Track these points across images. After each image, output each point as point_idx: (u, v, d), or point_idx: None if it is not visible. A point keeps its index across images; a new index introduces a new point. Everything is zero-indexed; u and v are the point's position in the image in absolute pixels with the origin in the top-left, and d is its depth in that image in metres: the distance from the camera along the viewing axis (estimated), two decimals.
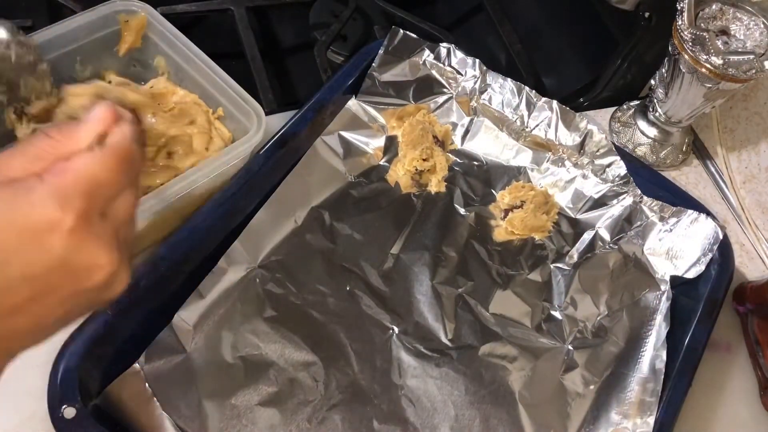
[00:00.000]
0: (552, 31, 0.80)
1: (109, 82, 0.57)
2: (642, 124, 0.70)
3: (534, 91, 0.64)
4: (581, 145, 0.63)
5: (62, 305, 0.32)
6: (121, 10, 0.56)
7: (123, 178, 0.33)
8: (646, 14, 0.64)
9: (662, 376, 0.52)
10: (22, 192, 0.29)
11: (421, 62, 0.64)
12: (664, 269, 0.59)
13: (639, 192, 0.61)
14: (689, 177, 0.70)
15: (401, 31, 0.64)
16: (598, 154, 0.62)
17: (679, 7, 0.58)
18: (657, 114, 0.67)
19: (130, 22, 0.57)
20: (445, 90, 0.65)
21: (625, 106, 0.72)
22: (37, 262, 0.30)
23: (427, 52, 0.64)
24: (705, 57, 0.57)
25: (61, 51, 0.54)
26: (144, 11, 0.57)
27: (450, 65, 0.65)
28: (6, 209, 0.29)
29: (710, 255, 0.58)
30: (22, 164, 0.31)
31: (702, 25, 0.58)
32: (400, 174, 0.61)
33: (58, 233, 0.30)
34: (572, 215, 0.62)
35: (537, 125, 0.64)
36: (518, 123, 0.64)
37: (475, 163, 0.64)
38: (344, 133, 0.61)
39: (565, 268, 0.60)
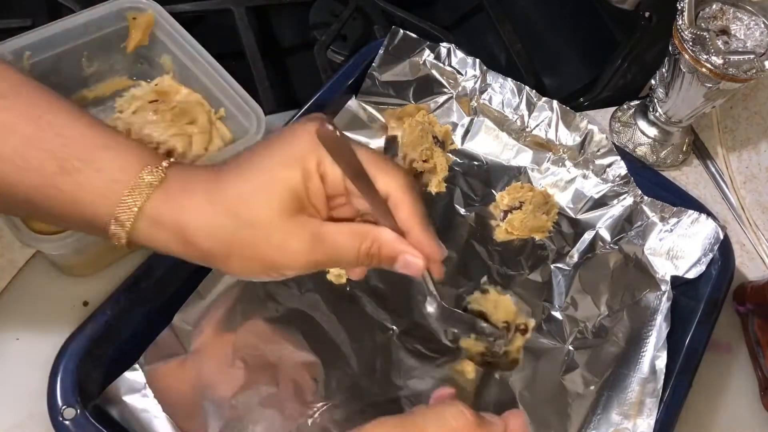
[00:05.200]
0: (552, 31, 0.80)
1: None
2: (642, 123, 0.70)
3: (534, 90, 0.64)
4: (581, 145, 0.63)
5: None
6: (130, 7, 0.56)
7: None
8: (646, 14, 0.64)
9: (663, 377, 0.52)
10: None
11: (421, 62, 0.64)
12: (664, 269, 0.59)
13: (639, 192, 0.61)
14: (689, 177, 0.70)
15: (401, 31, 0.64)
16: (598, 154, 0.62)
17: (679, 7, 0.58)
18: (657, 114, 0.67)
19: (138, 20, 0.57)
20: (445, 90, 0.65)
21: (625, 106, 0.72)
22: None
23: (427, 52, 0.64)
24: (705, 57, 0.57)
25: (68, 46, 0.55)
26: (152, 9, 0.57)
27: (450, 65, 0.65)
28: None
29: (711, 255, 0.58)
30: None
31: (702, 24, 0.58)
32: None
33: None
34: (572, 215, 0.62)
35: (537, 125, 0.64)
36: (518, 123, 0.64)
37: (476, 163, 0.64)
38: (344, 133, 0.61)
39: (566, 268, 0.60)
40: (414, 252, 0.37)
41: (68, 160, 0.34)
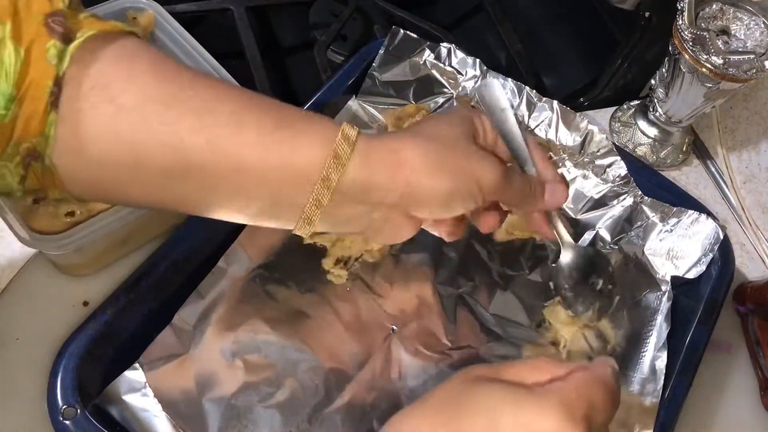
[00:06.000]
0: (552, 31, 0.80)
1: None
2: (642, 123, 0.70)
3: (534, 90, 0.64)
4: (582, 146, 0.63)
5: None
6: (130, 7, 0.56)
7: (611, 406, 0.35)
8: (647, 14, 0.64)
9: (663, 377, 0.52)
10: (533, 397, 0.33)
11: (421, 62, 0.64)
12: (664, 269, 0.59)
13: (639, 192, 0.61)
14: (689, 177, 0.70)
15: (401, 30, 0.64)
16: (598, 154, 0.62)
17: (679, 7, 0.58)
18: (657, 114, 0.67)
19: (138, 20, 0.57)
20: (445, 90, 0.65)
21: (625, 106, 0.72)
22: None
23: (427, 51, 0.64)
24: (705, 57, 0.57)
25: None
26: (152, 9, 0.57)
27: (450, 65, 0.65)
28: (518, 412, 0.33)
29: (711, 255, 0.58)
30: (526, 372, 0.36)
31: (702, 24, 0.58)
32: None
33: None
34: (572, 215, 0.62)
35: (537, 125, 0.64)
36: None
37: None
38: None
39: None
40: (559, 181, 0.45)
41: (281, 119, 0.36)
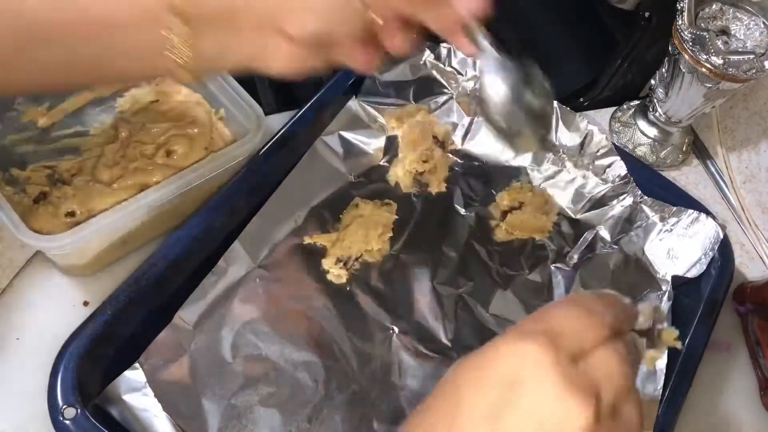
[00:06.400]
0: (552, 31, 0.80)
1: None
2: (642, 124, 0.70)
3: None
4: (581, 146, 0.63)
5: None
6: None
7: (574, 317, 0.31)
8: (646, 14, 0.64)
9: (663, 377, 0.52)
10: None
11: (421, 62, 0.64)
12: (665, 269, 0.59)
13: (639, 192, 0.61)
14: (689, 177, 0.70)
15: None
16: (598, 154, 0.62)
17: (679, 7, 0.58)
18: (657, 114, 0.67)
19: None
20: (445, 90, 0.65)
21: (625, 106, 0.72)
22: None
23: (427, 52, 0.64)
24: (705, 57, 0.57)
25: None
26: None
27: (450, 65, 0.65)
28: (474, 359, 0.31)
29: (711, 255, 0.58)
30: None
31: (702, 24, 0.58)
32: (400, 174, 0.61)
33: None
34: (572, 216, 0.62)
35: None
36: None
37: (476, 163, 0.64)
38: (344, 133, 0.61)
39: (566, 268, 0.60)
40: None
41: None
